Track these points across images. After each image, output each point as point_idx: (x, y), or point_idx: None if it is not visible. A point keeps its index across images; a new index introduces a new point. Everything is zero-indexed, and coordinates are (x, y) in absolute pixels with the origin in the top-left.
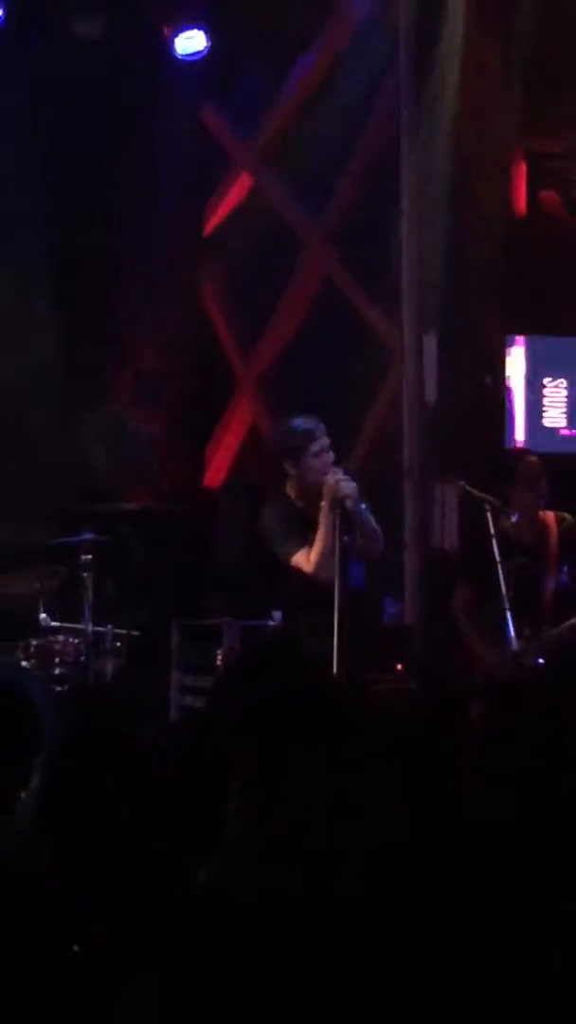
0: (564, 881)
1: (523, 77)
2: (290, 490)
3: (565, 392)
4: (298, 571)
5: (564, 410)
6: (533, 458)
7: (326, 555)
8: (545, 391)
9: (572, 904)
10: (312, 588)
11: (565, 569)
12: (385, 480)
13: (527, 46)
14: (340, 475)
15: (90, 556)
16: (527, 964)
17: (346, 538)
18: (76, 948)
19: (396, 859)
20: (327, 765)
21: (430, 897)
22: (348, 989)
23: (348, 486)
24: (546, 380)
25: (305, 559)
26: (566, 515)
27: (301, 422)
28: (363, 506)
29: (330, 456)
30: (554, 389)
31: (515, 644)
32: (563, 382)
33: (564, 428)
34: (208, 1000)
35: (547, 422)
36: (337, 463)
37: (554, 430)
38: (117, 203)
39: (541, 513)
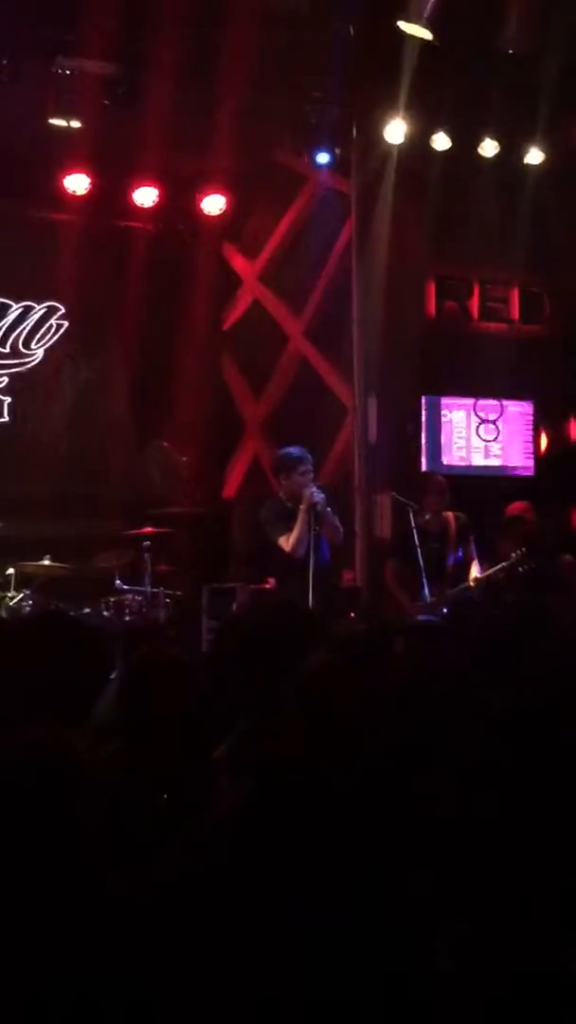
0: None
1: (432, 226)
2: (282, 494)
3: (459, 429)
4: (281, 550)
5: (460, 440)
6: (440, 478)
7: (300, 541)
8: (444, 429)
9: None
10: (293, 562)
11: (459, 550)
12: (342, 492)
13: (435, 206)
14: (315, 488)
15: (148, 542)
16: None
17: (317, 529)
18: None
19: (344, 726)
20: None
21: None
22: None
23: (319, 495)
24: (444, 421)
25: (286, 541)
26: (460, 514)
27: (295, 450)
28: (329, 509)
29: (311, 475)
30: (454, 432)
31: (428, 600)
32: (459, 420)
33: (461, 456)
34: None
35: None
36: (314, 479)
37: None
38: (166, 309)
39: (444, 513)
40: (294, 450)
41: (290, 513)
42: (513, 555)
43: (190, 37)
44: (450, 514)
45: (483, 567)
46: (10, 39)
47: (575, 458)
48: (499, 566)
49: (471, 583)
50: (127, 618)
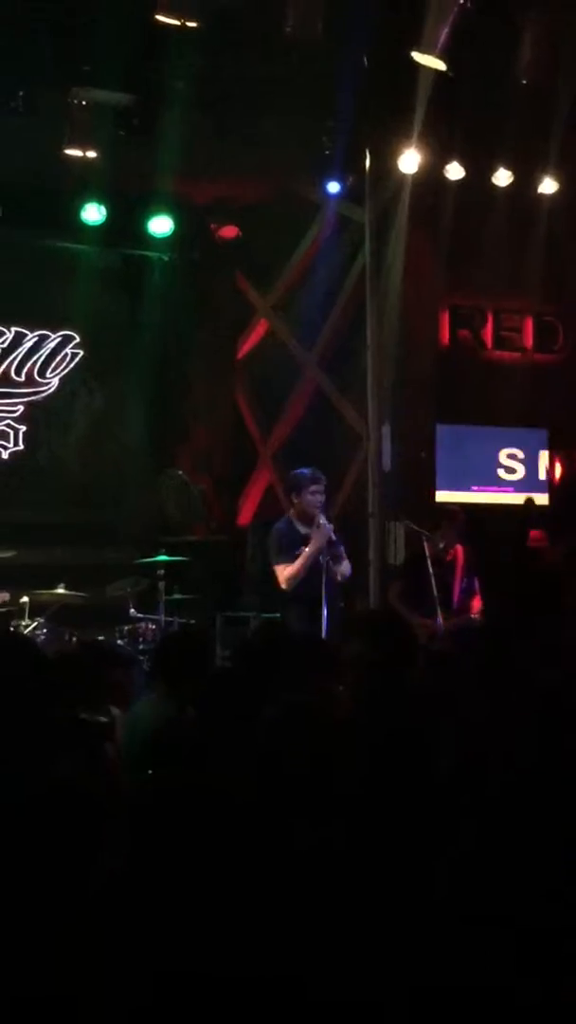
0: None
1: (446, 256)
2: (293, 513)
3: (476, 462)
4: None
5: (474, 469)
6: (459, 511)
7: (295, 578)
8: (456, 458)
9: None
10: (296, 592)
11: (465, 582)
12: (357, 520)
13: (449, 235)
14: (324, 520)
15: (163, 571)
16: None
17: (324, 559)
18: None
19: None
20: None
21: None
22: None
23: (328, 527)
24: (457, 450)
25: (282, 571)
26: (467, 547)
27: (307, 471)
28: (342, 548)
29: (322, 496)
30: (466, 460)
31: (440, 622)
32: (473, 449)
33: (475, 484)
34: None
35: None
36: (326, 507)
37: (465, 483)
38: (180, 337)
39: (457, 545)
40: (306, 470)
41: (298, 537)
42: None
43: (204, 66)
44: (460, 547)
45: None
46: (26, 70)
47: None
48: None
49: (475, 614)
50: (140, 647)
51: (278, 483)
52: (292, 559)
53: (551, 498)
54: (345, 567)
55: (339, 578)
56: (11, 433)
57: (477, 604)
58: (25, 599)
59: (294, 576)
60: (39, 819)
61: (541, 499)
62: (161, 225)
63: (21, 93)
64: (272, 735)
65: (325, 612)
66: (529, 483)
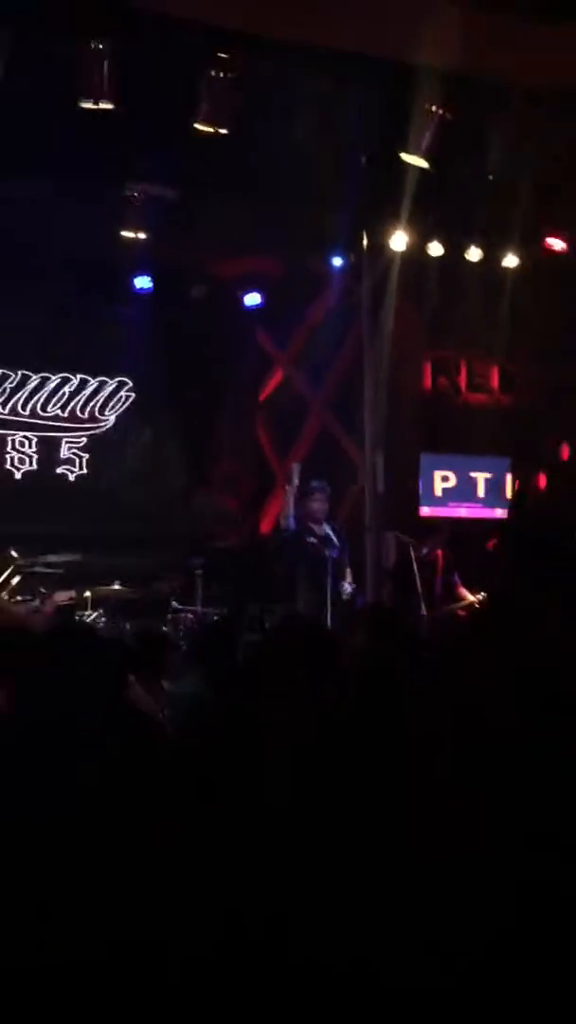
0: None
1: (428, 317)
2: (301, 516)
3: (452, 484)
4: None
5: (450, 490)
6: (440, 523)
7: (284, 515)
8: (437, 482)
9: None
10: (306, 587)
11: (444, 580)
12: (357, 532)
13: (431, 301)
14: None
15: (200, 570)
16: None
17: (328, 551)
18: None
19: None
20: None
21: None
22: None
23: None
24: (437, 475)
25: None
26: (448, 552)
27: (314, 482)
28: (342, 547)
29: (323, 502)
30: (443, 480)
31: (424, 613)
32: (448, 474)
33: (451, 502)
34: None
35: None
36: (331, 515)
37: (443, 501)
38: (212, 383)
39: (437, 551)
40: (313, 482)
41: (303, 528)
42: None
43: (234, 165)
44: (440, 552)
45: (469, 589)
46: (92, 169)
47: (544, 504)
48: (480, 596)
49: (476, 600)
50: (181, 633)
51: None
52: (294, 549)
53: (509, 511)
54: (347, 587)
55: (344, 596)
56: (77, 460)
57: (463, 592)
58: (88, 594)
59: (283, 513)
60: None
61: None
62: (197, 293)
63: (89, 188)
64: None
65: (329, 606)
66: (496, 500)
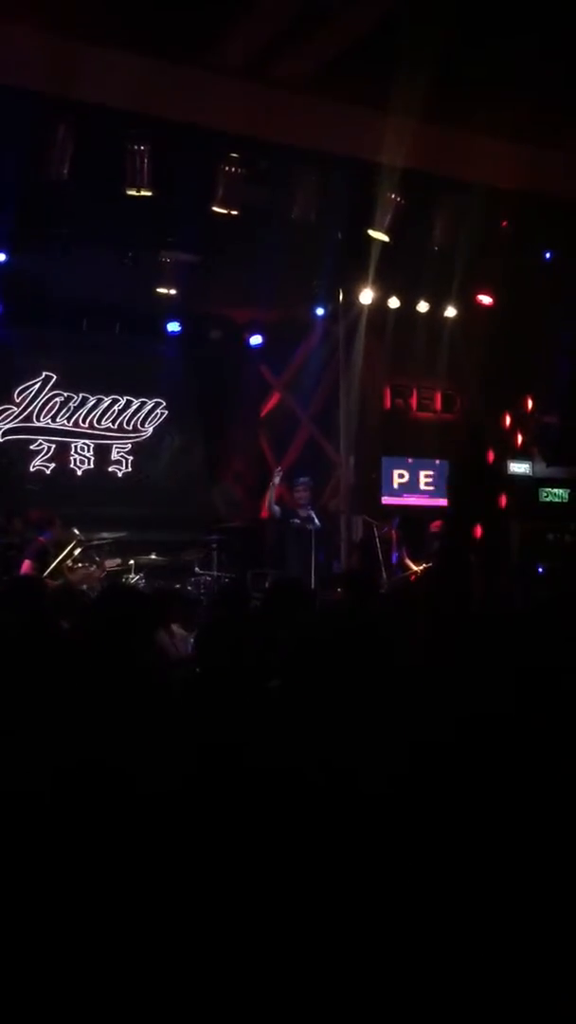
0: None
1: (388, 355)
2: (290, 504)
3: (404, 477)
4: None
5: (404, 484)
6: (396, 512)
7: (266, 506)
8: (394, 477)
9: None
10: (293, 556)
11: (397, 553)
12: (334, 516)
13: (390, 342)
14: (312, 513)
15: (215, 544)
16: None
17: (310, 527)
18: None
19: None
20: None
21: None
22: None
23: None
24: (394, 472)
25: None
26: (400, 532)
27: (301, 479)
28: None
29: (307, 493)
30: (399, 478)
31: (384, 578)
32: (402, 472)
33: (405, 493)
34: None
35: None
36: (313, 503)
37: (399, 492)
38: (226, 404)
39: (392, 530)
40: (300, 478)
41: (291, 516)
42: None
43: (243, 238)
44: (395, 531)
45: (415, 561)
46: (134, 241)
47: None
48: (423, 567)
49: (411, 573)
50: (202, 591)
51: (286, 492)
52: (283, 521)
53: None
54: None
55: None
56: (124, 461)
57: (409, 563)
58: (132, 562)
59: (266, 505)
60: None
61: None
62: (215, 335)
63: (130, 254)
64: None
65: (313, 571)
66: (437, 493)
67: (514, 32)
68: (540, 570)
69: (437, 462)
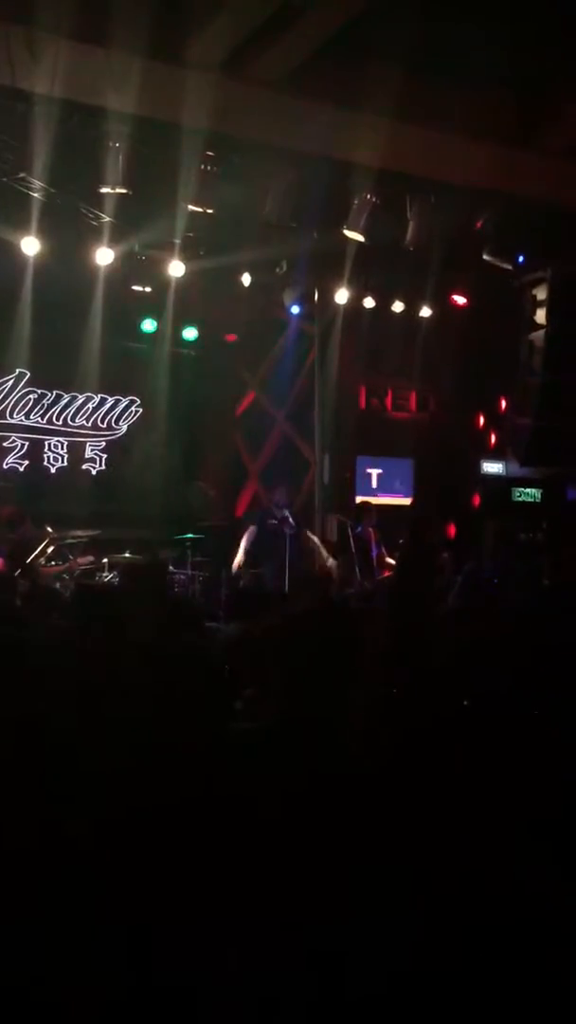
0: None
1: (363, 354)
2: (271, 508)
3: (378, 477)
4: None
5: (378, 483)
6: (371, 505)
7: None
8: (371, 476)
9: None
10: (268, 557)
11: (375, 551)
12: (307, 513)
13: (365, 342)
14: (287, 514)
15: (189, 543)
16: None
17: (287, 530)
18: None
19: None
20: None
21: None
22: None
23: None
24: (370, 471)
25: (249, 532)
26: (377, 530)
27: (278, 490)
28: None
29: (285, 498)
30: (373, 475)
31: (358, 581)
32: (377, 471)
33: (379, 492)
34: None
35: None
36: (290, 506)
37: (374, 491)
38: (201, 402)
39: (370, 528)
40: (278, 489)
41: (266, 520)
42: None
43: (218, 236)
44: (372, 529)
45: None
46: (110, 236)
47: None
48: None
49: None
50: (176, 589)
51: (261, 490)
52: (258, 526)
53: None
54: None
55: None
56: (98, 458)
57: (388, 560)
58: (105, 560)
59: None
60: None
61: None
62: (190, 333)
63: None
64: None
65: (287, 572)
66: (412, 492)
67: (488, 31)
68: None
69: (411, 461)
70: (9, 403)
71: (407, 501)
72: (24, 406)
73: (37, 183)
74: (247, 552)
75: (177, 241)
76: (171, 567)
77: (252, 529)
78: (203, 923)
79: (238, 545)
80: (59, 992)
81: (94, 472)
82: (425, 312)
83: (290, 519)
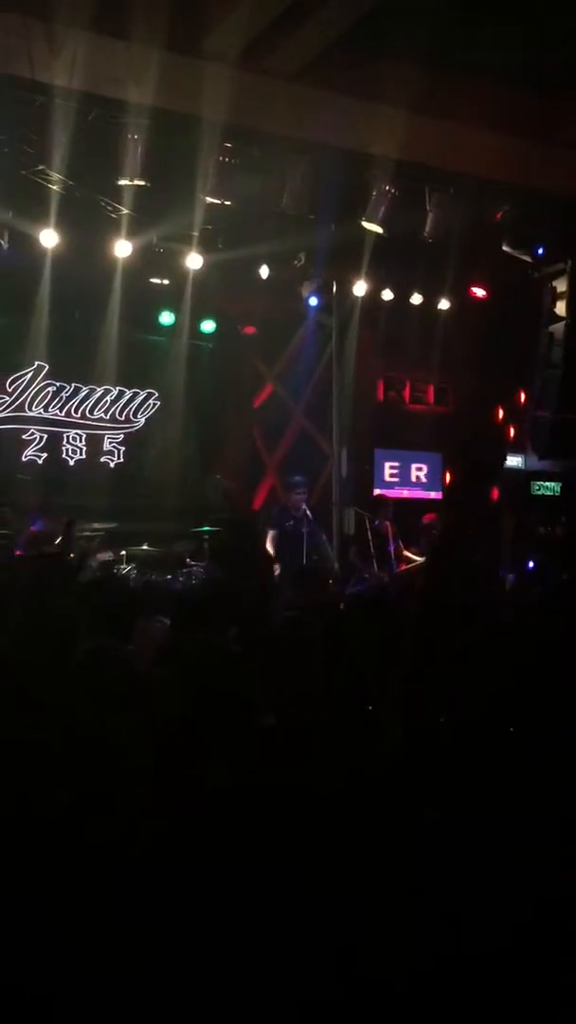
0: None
1: (382, 347)
2: (287, 504)
3: (396, 470)
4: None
5: (396, 476)
6: (388, 499)
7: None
8: (386, 470)
9: None
10: (285, 557)
11: (392, 545)
12: (326, 507)
13: (383, 334)
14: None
15: (207, 536)
16: None
17: (304, 530)
18: None
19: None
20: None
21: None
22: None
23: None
24: (386, 464)
25: (271, 534)
26: (393, 524)
27: (296, 478)
28: (312, 520)
29: (303, 496)
30: (391, 468)
31: (374, 573)
32: (396, 464)
33: (397, 486)
34: None
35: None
36: (308, 500)
37: (391, 484)
38: (219, 394)
39: (386, 522)
40: (295, 478)
41: (285, 518)
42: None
43: (236, 228)
44: (389, 523)
45: (411, 551)
46: (128, 229)
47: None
48: (422, 560)
49: (411, 565)
50: (193, 581)
51: (278, 484)
52: (277, 528)
53: (443, 495)
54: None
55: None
56: (115, 451)
57: (409, 554)
58: (123, 553)
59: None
60: None
61: (438, 495)
62: (208, 326)
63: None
64: None
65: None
66: (430, 485)
67: (508, 24)
68: (530, 564)
69: (429, 455)
70: (28, 396)
71: (424, 495)
72: (43, 399)
73: (56, 176)
74: (277, 554)
75: (195, 233)
76: (188, 560)
77: (274, 533)
78: (237, 921)
79: (253, 539)
80: (61, 988)
81: (112, 465)
82: (444, 304)
83: (308, 515)
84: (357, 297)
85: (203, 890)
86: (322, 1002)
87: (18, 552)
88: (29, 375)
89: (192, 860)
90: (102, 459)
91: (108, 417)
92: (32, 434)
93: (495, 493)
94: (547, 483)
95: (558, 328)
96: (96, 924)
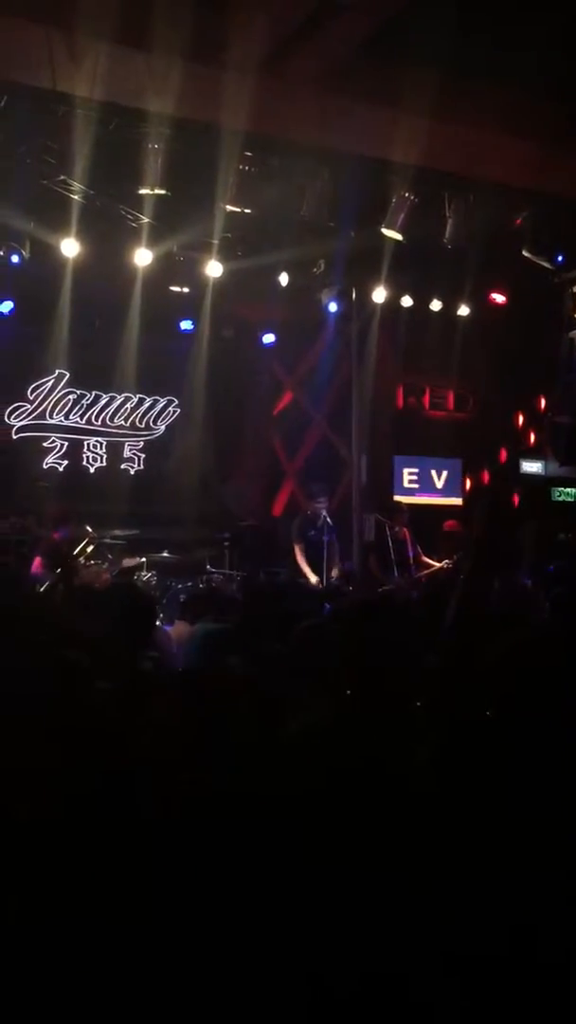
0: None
1: (401, 353)
2: (309, 512)
3: (415, 476)
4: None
5: (415, 482)
6: (404, 505)
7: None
8: (405, 476)
9: None
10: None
11: (411, 551)
12: (346, 513)
13: (403, 341)
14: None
15: (227, 542)
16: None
17: (325, 538)
18: None
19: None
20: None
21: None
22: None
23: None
24: (406, 471)
25: (296, 549)
26: (410, 530)
27: (317, 487)
28: (332, 526)
29: (324, 504)
30: (410, 475)
31: (396, 580)
32: (415, 470)
33: (416, 492)
34: None
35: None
36: (328, 507)
37: (411, 491)
38: (239, 401)
39: (404, 528)
40: (316, 487)
41: (307, 527)
42: (456, 556)
43: (256, 236)
44: (406, 530)
45: (432, 558)
46: (148, 239)
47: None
48: (445, 563)
49: (442, 566)
50: (213, 586)
51: (298, 491)
52: (302, 539)
53: (464, 500)
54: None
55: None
56: (136, 458)
57: (428, 560)
58: (143, 559)
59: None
60: None
61: (458, 501)
62: (227, 333)
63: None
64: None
65: (324, 576)
66: (450, 491)
67: (527, 30)
68: (551, 569)
69: (449, 461)
70: (49, 403)
71: (443, 501)
72: (64, 406)
73: (77, 185)
74: (309, 564)
75: (215, 241)
76: (209, 567)
77: (301, 546)
78: (265, 922)
79: (273, 546)
80: (64, 988)
81: (132, 472)
82: (463, 311)
83: (328, 522)
84: (377, 304)
85: (214, 891)
86: (328, 1003)
87: (37, 559)
88: (50, 383)
89: (203, 862)
90: (122, 466)
91: (128, 424)
92: (53, 442)
93: (515, 499)
94: (568, 489)
95: None
96: (96, 924)
